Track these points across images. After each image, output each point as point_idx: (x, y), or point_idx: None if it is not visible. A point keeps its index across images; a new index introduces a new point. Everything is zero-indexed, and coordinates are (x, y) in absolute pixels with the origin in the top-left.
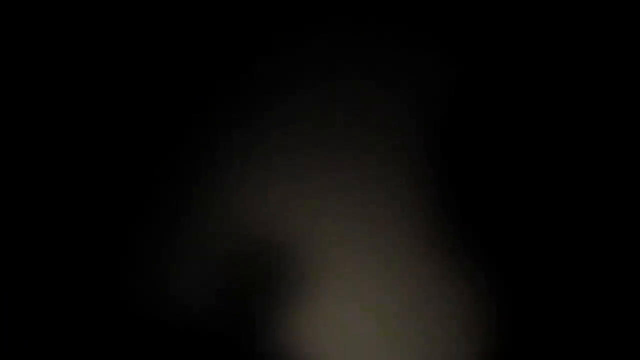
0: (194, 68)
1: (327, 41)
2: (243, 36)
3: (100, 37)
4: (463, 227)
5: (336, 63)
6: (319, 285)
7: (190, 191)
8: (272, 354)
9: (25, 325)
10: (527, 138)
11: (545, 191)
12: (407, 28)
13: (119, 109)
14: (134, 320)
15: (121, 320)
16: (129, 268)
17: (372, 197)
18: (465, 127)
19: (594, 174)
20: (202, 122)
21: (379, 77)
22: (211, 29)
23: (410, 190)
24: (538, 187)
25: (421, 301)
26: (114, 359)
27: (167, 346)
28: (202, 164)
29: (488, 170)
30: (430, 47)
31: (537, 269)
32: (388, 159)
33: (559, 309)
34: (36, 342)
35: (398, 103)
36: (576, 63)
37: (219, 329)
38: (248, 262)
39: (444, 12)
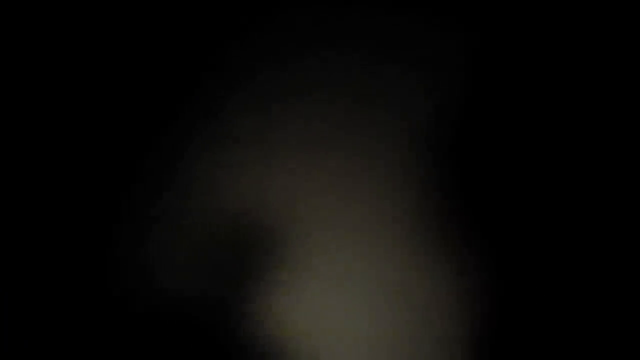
0: (183, 42)
1: (335, 14)
2: (240, 3)
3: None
4: (458, 211)
5: (342, 36)
6: (307, 270)
7: (173, 175)
8: (260, 339)
9: (8, 316)
10: (539, 122)
11: (550, 182)
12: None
13: (102, 84)
14: (118, 308)
15: (106, 310)
16: (112, 257)
17: (364, 180)
18: (472, 111)
19: (599, 166)
20: (186, 101)
21: (388, 52)
22: None
23: (405, 174)
24: (543, 178)
25: (411, 286)
26: (102, 349)
27: (154, 335)
28: (184, 147)
29: (494, 156)
30: (445, 20)
31: (534, 256)
32: (385, 142)
33: (553, 298)
34: (19, 334)
35: (404, 79)
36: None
37: (205, 316)
38: (235, 247)
39: None
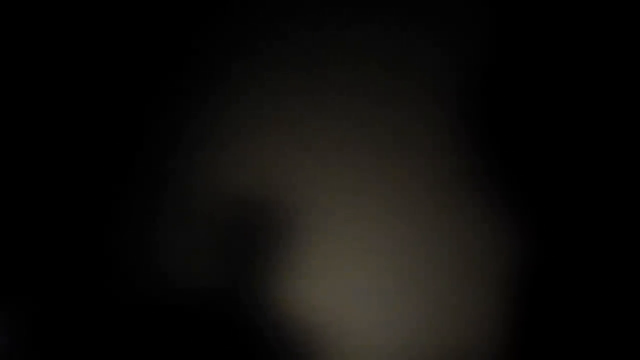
0: (189, 6)
1: None
2: None
3: None
4: (490, 182)
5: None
6: (319, 243)
7: (176, 147)
8: (271, 318)
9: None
10: (569, 85)
11: (579, 147)
12: None
13: (104, 66)
14: (119, 292)
15: (108, 301)
16: (112, 236)
17: (380, 147)
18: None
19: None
20: (191, 69)
21: (412, 20)
22: None
23: (423, 140)
24: (570, 142)
25: (427, 256)
26: (105, 341)
27: (159, 318)
28: (188, 116)
29: (516, 120)
30: None
31: (571, 223)
32: (410, 112)
33: (580, 265)
34: (15, 323)
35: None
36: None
37: (212, 296)
38: (244, 232)
39: None
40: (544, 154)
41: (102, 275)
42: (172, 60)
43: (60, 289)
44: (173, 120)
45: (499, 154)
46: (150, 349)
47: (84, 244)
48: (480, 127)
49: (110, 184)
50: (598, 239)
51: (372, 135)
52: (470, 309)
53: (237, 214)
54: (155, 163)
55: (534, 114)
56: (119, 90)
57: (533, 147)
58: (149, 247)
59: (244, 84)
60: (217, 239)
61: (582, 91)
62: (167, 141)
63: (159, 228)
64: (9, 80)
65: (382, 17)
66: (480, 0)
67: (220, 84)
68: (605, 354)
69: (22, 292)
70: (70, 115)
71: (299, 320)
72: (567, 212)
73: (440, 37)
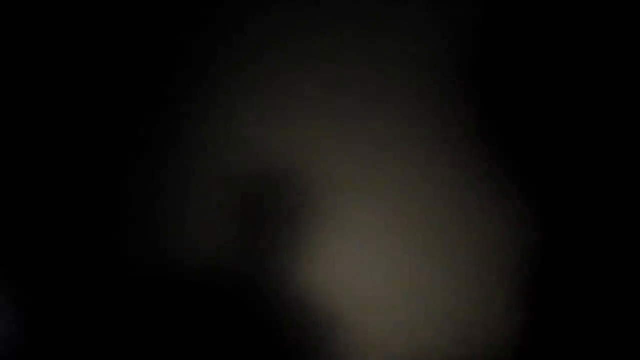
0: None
1: None
2: None
3: None
4: (499, 157)
5: None
6: (330, 225)
7: (182, 124)
8: (284, 299)
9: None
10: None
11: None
12: None
13: (109, 39)
14: (123, 277)
15: (111, 277)
16: (114, 217)
17: (396, 127)
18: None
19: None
20: (197, 33)
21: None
22: None
23: (438, 116)
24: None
25: (449, 242)
26: (108, 321)
27: (166, 301)
28: (193, 104)
29: (526, 110)
30: None
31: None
32: (414, 83)
33: (593, 258)
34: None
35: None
36: None
37: (221, 277)
38: (252, 202)
39: None
40: (554, 147)
41: (106, 257)
42: (172, 46)
43: (63, 274)
44: (175, 104)
45: (510, 143)
46: (157, 331)
47: (87, 227)
48: (491, 117)
49: (114, 164)
50: (613, 233)
51: (380, 111)
52: (482, 300)
53: (247, 194)
54: (161, 142)
55: (543, 104)
56: (119, 79)
57: (543, 139)
58: (155, 228)
59: (251, 58)
60: (226, 219)
61: (592, 80)
62: (174, 118)
63: (165, 209)
64: (17, 78)
65: (389, 12)
66: None
67: (224, 67)
68: (620, 353)
69: (24, 276)
70: (71, 105)
71: (310, 303)
72: (580, 204)
73: (449, 31)
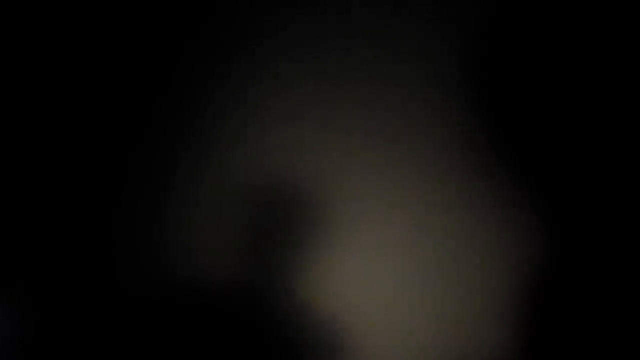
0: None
1: None
2: None
3: None
4: (506, 162)
5: None
6: (335, 237)
7: (188, 140)
8: (286, 314)
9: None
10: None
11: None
12: None
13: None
14: (128, 288)
15: (115, 291)
16: (121, 232)
17: (403, 137)
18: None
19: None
20: (204, 44)
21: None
22: None
23: (444, 124)
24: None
25: (453, 248)
26: (112, 334)
27: (169, 315)
28: (200, 108)
29: (529, 114)
30: None
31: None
32: (421, 92)
33: (595, 263)
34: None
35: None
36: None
37: (225, 292)
38: (256, 216)
39: None
40: (558, 149)
41: (111, 272)
42: (182, 49)
43: (68, 285)
44: (184, 111)
45: (514, 149)
46: (160, 344)
47: (93, 240)
48: (496, 121)
49: (119, 179)
50: (616, 238)
51: (393, 130)
52: (483, 303)
53: (255, 206)
54: (165, 157)
55: (547, 108)
56: (127, 83)
57: (548, 144)
58: (159, 244)
59: (259, 72)
60: (230, 234)
61: (596, 83)
62: (179, 133)
63: (172, 218)
64: (25, 78)
65: (391, 10)
66: None
67: (233, 73)
68: (623, 357)
69: (29, 286)
70: (80, 110)
71: (316, 315)
72: (582, 208)
73: (451, 32)
